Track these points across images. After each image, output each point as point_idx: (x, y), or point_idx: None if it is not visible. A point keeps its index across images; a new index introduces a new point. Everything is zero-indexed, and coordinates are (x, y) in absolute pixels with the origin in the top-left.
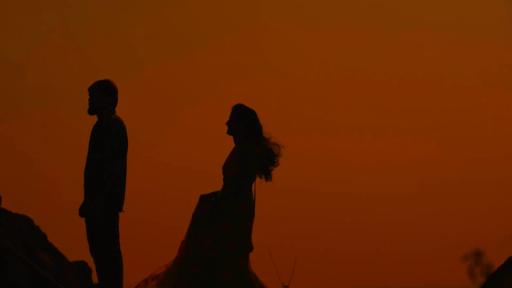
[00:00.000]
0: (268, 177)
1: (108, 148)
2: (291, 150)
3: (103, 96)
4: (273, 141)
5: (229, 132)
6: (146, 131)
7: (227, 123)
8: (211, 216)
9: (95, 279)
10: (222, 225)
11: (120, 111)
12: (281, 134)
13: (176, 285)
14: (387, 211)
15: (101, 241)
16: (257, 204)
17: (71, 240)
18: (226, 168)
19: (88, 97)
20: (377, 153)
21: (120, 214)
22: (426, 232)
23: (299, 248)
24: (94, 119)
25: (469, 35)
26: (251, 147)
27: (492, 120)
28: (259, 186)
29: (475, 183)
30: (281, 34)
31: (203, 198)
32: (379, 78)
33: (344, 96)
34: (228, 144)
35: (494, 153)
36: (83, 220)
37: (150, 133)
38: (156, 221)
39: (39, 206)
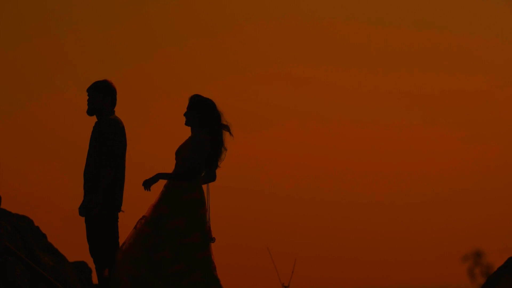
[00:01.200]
0: (212, 168)
1: (107, 148)
2: (288, 151)
3: (101, 96)
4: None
5: (186, 123)
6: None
7: (185, 114)
8: (167, 214)
9: (95, 279)
10: (178, 222)
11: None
12: (271, 136)
13: (129, 273)
14: (387, 213)
15: (101, 241)
16: (256, 205)
17: (71, 241)
18: (178, 153)
19: (87, 97)
20: (377, 158)
21: (120, 214)
22: (426, 233)
23: (299, 248)
24: (94, 119)
25: (469, 35)
26: (204, 136)
27: (491, 125)
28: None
29: (474, 186)
30: (256, 35)
31: (159, 176)
32: (364, 73)
33: (344, 93)
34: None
35: (495, 155)
36: (83, 220)
37: (130, 132)
38: None
39: (39, 206)
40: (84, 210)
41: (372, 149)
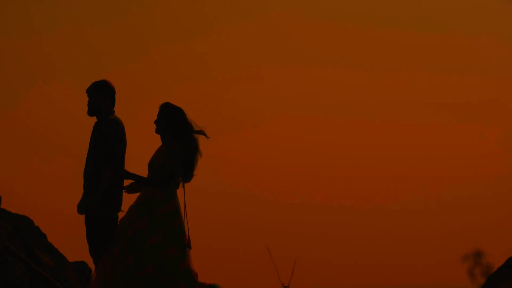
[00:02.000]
0: (187, 178)
1: (108, 148)
2: (285, 152)
3: (101, 96)
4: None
5: (157, 131)
6: None
7: (155, 122)
8: (142, 232)
9: None
10: (156, 237)
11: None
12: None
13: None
14: (387, 213)
15: (100, 241)
16: (255, 207)
17: (71, 241)
18: (151, 166)
19: (88, 99)
20: (375, 160)
21: (120, 214)
22: (426, 233)
23: (299, 249)
24: (94, 119)
25: (469, 34)
26: (178, 144)
27: (492, 128)
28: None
29: (474, 187)
30: (233, 38)
31: (131, 176)
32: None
33: (340, 92)
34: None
35: (495, 154)
36: (83, 220)
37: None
38: None
39: (39, 206)
40: (83, 208)
41: (370, 151)
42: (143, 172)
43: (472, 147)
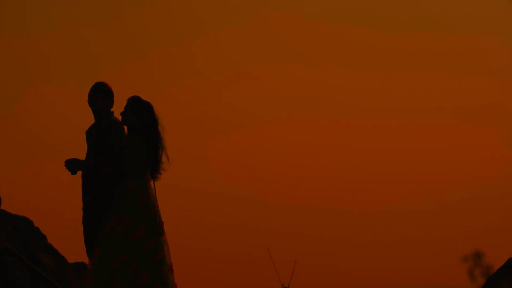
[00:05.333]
0: (154, 175)
1: (107, 148)
2: (282, 153)
3: (101, 96)
4: (164, 142)
5: (122, 123)
6: None
7: (121, 114)
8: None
9: None
10: (140, 231)
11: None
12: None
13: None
14: (387, 214)
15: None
16: (256, 207)
17: (71, 242)
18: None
19: (88, 100)
20: (376, 162)
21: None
22: (426, 233)
23: (299, 249)
24: (93, 119)
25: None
26: (136, 141)
27: (490, 128)
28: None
29: (473, 187)
30: (231, 39)
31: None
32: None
33: (335, 91)
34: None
35: (495, 155)
36: (81, 221)
37: None
38: None
39: (39, 207)
40: (71, 164)
41: (370, 153)
42: None
43: (471, 148)
